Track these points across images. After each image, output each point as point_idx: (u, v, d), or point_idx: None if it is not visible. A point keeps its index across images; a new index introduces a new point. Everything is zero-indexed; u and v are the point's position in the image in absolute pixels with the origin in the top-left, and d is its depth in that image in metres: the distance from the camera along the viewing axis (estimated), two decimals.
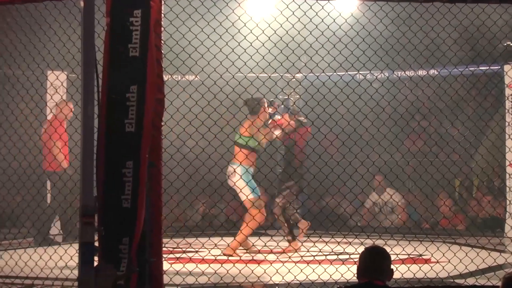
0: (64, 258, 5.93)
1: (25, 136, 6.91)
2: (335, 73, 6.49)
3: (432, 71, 7.74)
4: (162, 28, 4.67)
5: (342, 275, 5.40)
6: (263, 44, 5.82)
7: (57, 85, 8.13)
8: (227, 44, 5.73)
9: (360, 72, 8.25)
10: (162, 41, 4.75)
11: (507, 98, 8.82)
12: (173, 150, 5.41)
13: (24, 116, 6.72)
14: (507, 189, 8.78)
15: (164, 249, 4.82)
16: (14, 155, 6.83)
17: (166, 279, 4.84)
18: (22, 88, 6.79)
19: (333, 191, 8.29)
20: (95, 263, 3.74)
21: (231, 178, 7.48)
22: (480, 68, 7.53)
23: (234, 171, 7.42)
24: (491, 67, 7.68)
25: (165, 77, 4.80)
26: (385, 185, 9.41)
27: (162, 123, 4.71)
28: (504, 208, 8.88)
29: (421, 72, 8.88)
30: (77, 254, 3.58)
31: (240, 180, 7.36)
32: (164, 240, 4.87)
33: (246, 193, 7.44)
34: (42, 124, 8.41)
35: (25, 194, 7.45)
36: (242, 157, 7.40)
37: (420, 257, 6.64)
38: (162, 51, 4.71)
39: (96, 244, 3.96)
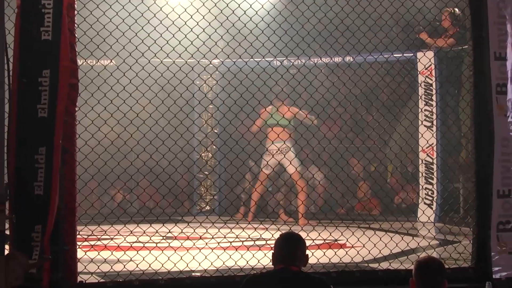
0: None
1: None
2: (252, 59, 6.51)
3: (347, 58, 7.85)
4: (76, 11, 4.60)
5: (258, 261, 5.45)
6: (179, 29, 5.79)
7: None
8: (142, 28, 5.68)
9: (277, 58, 8.30)
10: (76, 25, 4.68)
11: (420, 85, 9.04)
12: (87, 136, 5.33)
13: None
14: (420, 174, 9.01)
15: (78, 236, 4.76)
16: None
17: (80, 267, 4.80)
18: None
19: (250, 177, 8.36)
20: (6, 252, 3.68)
21: (282, 152, 8.65)
22: (394, 55, 7.68)
23: (287, 146, 8.64)
24: (404, 54, 7.84)
25: (79, 62, 4.73)
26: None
27: (76, 109, 4.64)
28: (416, 193, 9.11)
29: (337, 59, 9.00)
30: None
31: (292, 153, 8.41)
32: (78, 228, 4.82)
33: (295, 165, 8.60)
34: None
35: None
36: (287, 136, 8.55)
37: (336, 242, 6.76)
38: (76, 35, 4.64)
39: (8, 232, 3.89)
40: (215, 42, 6.59)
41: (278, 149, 8.66)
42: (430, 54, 8.80)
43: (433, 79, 8.98)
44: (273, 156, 8.77)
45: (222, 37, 6.40)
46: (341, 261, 5.63)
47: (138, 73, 5.92)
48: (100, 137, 5.76)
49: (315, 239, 6.44)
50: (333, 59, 8.96)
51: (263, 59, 7.02)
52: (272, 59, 7.72)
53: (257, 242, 6.92)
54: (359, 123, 9.04)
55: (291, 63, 8.24)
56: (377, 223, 7.56)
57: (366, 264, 5.72)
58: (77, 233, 4.72)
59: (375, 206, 9.33)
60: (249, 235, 6.64)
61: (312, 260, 4.82)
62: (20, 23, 4.30)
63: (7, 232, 3.85)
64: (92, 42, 5.55)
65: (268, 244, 6.64)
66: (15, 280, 3.40)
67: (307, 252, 3.90)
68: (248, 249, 5.94)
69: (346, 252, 5.92)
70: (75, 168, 4.65)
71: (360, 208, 9.15)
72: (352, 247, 6.25)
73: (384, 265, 5.60)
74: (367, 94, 9.20)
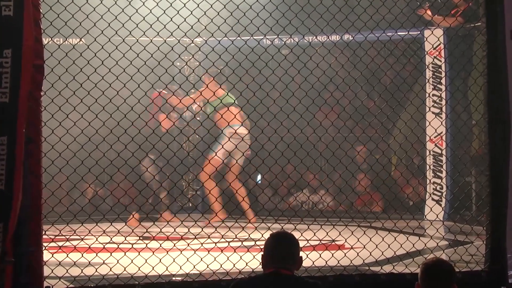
0: None
1: None
2: (238, 38, 6.51)
3: (346, 36, 7.86)
4: None
5: (247, 264, 5.47)
6: (157, 4, 5.79)
7: None
8: (115, 3, 5.66)
9: (266, 37, 8.31)
10: None
11: (427, 67, 9.07)
12: (54, 124, 5.32)
13: None
14: (427, 167, 9.05)
15: (44, 237, 4.77)
16: None
17: (46, 271, 4.80)
18: None
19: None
20: None
21: (246, 141, 8.68)
22: (398, 33, 7.69)
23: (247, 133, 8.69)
24: (410, 33, 7.87)
25: (45, 40, 4.72)
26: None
27: (42, 93, 4.64)
28: (423, 188, 9.15)
29: (334, 37, 9.02)
30: None
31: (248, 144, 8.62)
32: (45, 227, 4.82)
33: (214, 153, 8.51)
34: None
35: None
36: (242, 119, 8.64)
37: (333, 243, 6.79)
38: (41, 10, 4.63)
39: None
40: (198, 18, 6.58)
41: (235, 132, 8.60)
42: (439, 32, 8.84)
43: (442, 60, 9.02)
44: (229, 139, 8.67)
45: (205, 13, 6.40)
46: (339, 264, 5.66)
47: (111, 53, 5.91)
48: (69, 125, 5.75)
49: (309, 240, 6.47)
50: (330, 37, 8.97)
51: (251, 38, 7.03)
52: (262, 37, 7.72)
53: (245, 243, 6.95)
54: (359, 110, 9.06)
55: (283, 42, 8.25)
56: (379, 221, 7.59)
57: (367, 267, 5.75)
58: (43, 233, 4.72)
59: (377, 202, 9.37)
60: (236, 235, 6.66)
61: (306, 263, 4.84)
62: None
63: None
64: (59, 19, 5.54)
65: (258, 245, 6.66)
66: None
67: (301, 254, 3.92)
68: (235, 251, 5.96)
69: (345, 254, 5.95)
70: (41, 160, 4.65)
71: (360, 204, 9.20)
72: (351, 248, 6.28)
73: (387, 268, 5.63)
74: (368, 77, 9.22)
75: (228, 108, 8.18)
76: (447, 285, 3.67)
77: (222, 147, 8.58)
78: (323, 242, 6.61)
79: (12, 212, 4.21)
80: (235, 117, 8.02)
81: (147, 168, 7.41)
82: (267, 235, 4.05)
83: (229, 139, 8.48)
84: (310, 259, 5.49)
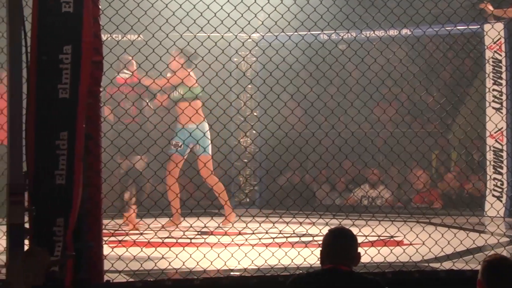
0: None
1: None
2: (296, 33, 6.49)
3: (404, 31, 7.77)
4: None
5: (305, 259, 5.45)
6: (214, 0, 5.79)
7: None
8: None
9: (324, 32, 8.27)
10: None
11: (487, 61, 8.93)
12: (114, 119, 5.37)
13: None
14: (487, 163, 8.91)
15: (104, 231, 4.80)
16: None
17: (106, 265, 4.84)
18: None
19: (294, 166, 8.34)
20: (26, 247, 3.72)
21: (207, 136, 7.96)
22: (458, 27, 7.59)
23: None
24: (469, 27, 7.75)
25: (104, 37, 4.75)
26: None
27: (101, 89, 4.67)
28: (484, 184, 9.02)
29: (392, 32, 8.92)
30: (4, 237, 3.55)
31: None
32: (104, 222, 4.86)
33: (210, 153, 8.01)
34: None
35: None
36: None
37: (392, 239, 6.73)
38: (100, 7, 4.66)
39: (27, 225, 3.93)
40: (255, 14, 6.57)
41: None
42: (500, 26, 8.68)
43: (503, 54, 8.87)
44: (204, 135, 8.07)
45: (262, 8, 6.38)
46: (397, 260, 5.60)
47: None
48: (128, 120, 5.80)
49: (368, 236, 6.41)
50: (388, 32, 8.88)
51: (308, 33, 6.99)
52: (319, 32, 7.69)
53: (303, 238, 6.92)
54: (418, 105, 8.96)
55: (340, 38, 8.20)
56: (438, 217, 7.50)
57: (426, 264, 5.68)
58: (103, 227, 4.76)
59: (436, 198, 9.26)
60: (294, 231, 6.64)
61: (364, 259, 4.80)
62: None
63: (27, 225, 3.90)
64: (118, 15, 5.57)
65: (316, 241, 6.63)
66: (35, 278, 3.44)
67: (359, 250, 3.89)
68: (292, 246, 5.94)
69: (404, 250, 5.88)
70: (100, 155, 4.68)
71: (419, 201, 9.09)
72: (410, 244, 6.21)
73: (447, 264, 5.56)
74: (427, 72, 9.11)
75: (198, 100, 7.82)
76: (511, 282, 3.60)
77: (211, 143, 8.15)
78: (381, 238, 6.56)
79: (72, 207, 4.25)
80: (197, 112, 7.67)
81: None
82: (325, 230, 4.02)
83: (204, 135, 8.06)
84: (368, 255, 5.45)
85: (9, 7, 3.76)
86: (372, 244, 6.13)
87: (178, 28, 5.82)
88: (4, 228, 3.81)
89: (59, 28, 4.31)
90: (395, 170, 8.20)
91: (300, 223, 6.82)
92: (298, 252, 5.65)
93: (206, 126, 7.95)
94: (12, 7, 3.75)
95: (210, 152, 8.00)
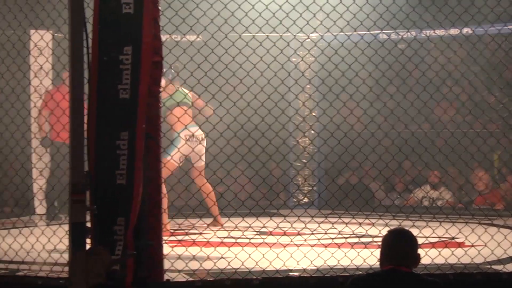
0: (52, 240, 5.97)
1: (7, 104, 6.91)
2: (355, 33, 6.46)
3: (465, 30, 7.68)
4: None
5: (364, 260, 5.41)
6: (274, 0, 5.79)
7: (42, 46, 8.14)
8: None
9: (383, 31, 8.20)
10: None
11: None
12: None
13: (5, 81, 6.72)
14: None
15: (164, 231, 4.83)
16: None
17: (167, 264, 4.87)
18: (2, 49, 6.79)
19: (353, 166, 8.29)
20: (87, 246, 3.76)
21: (203, 143, 7.79)
22: None
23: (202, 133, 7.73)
24: None
25: (163, 38, 4.78)
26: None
27: (160, 89, 4.70)
28: None
29: (453, 31, 8.82)
30: (67, 236, 3.59)
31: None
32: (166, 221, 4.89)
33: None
34: (42, 96, 8.55)
35: (7, 169, 7.48)
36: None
37: (453, 240, 6.65)
38: (160, 8, 4.70)
39: (89, 225, 3.98)
40: (314, 14, 6.56)
41: (193, 135, 7.79)
42: None
43: None
44: (186, 143, 7.83)
45: (321, 8, 6.36)
46: (459, 262, 5.53)
47: (228, 49, 5.95)
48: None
49: (429, 237, 6.35)
50: (448, 31, 8.78)
51: (368, 33, 6.95)
52: (379, 32, 7.63)
53: (362, 239, 6.88)
54: (479, 105, 8.84)
55: (400, 37, 8.13)
56: (501, 219, 7.39)
57: (489, 266, 5.60)
58: (163, 227, 4.79)
59: (498, 199, 9.13)
60: (353, 231, 6.60)
61: (425, 260, 4.75)
62: None
63: (88, 224, 3.94)
64: (178, 16, 5.61)
65: (375, 242, 6.58)
66: (96, 277, 3.47)
67: (419, 251, 3.85)
68: (352, 247, 5.91)
69: (465, 251, 5.81)
70: (160, 155, 4.72)
71: (481, 202, 8.97)
72: (472, 246, 6.13)
73: (510, 267, 5.47)
74: (489, 71, 8.98)
75: (180, 107, 7.53)
76: None
77: (179, 150, 7.78)
78: (442, 239, 6.48)
79: (132, 206, 4.28)
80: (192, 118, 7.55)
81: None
82: (384, 231, 3.99)
83: (186, 143, 7.76)
84: (429, 256, 5.39)
85: (71, 9, 3.80)
86: (433, 245, 6.07)
87: (236, 29, 5.83)
88: (66, 227, 3.86)
89: (120, 29, 4.35)
90: (456, 170, 8.08)
91: (360, 224, 6.78)
92: (358, 253, 5.62)
93: (183, 133, 7.57)
94: (74, 9, 3.80)
95: (170, 154, 7.64)
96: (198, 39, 7.62)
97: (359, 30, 6.45)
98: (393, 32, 8.09)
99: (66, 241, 3.91)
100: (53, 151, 8.46)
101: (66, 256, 3.93)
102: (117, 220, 4.22)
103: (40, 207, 8.77)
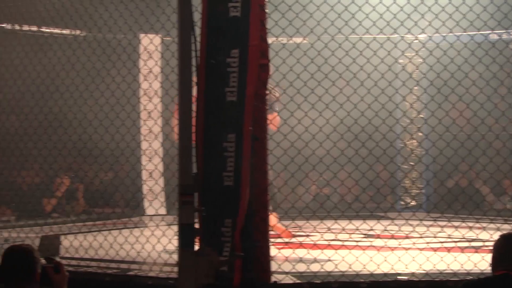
0: (162, 241, 6.06)
1: (118, 107, 7.05)
2: (464, 33, 6.32)
3: None
4: None
5: (475, 264, 5.29)
6: (381, 1, 5.73)
7: (151, 49, 8.28)
8: (339, 1, 5.66)
9: (494, 32, 8.01)
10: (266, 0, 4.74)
11: None
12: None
13: (116, 84, 6.87)
14: None
15: (271, 232, 4.83)
16: (106, 127, 6.99)
17: (274, 266, 4.87)
18: (113, 53, 6.93)
19: (463, 168, 8.12)
20: (196, 247, 3.78)
21: None
22: None
23: None
24: None
25: (270, 40, 4.78)
26: None
27: (267, 92, 4.70)
28: None
29: None
30: (176, 237, 3.63)
31: None
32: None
33: None
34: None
35: (118, 170, 7.63)
36: None
37: None
38: (267, 11, 4.70)
39: (197, 226, 4.01)
40: (422, 14, 6.45)
41: None
42: None
43: None
44: None
45: (429, 8, 6.26)
46: None
47: (335, 51, 5.92)
48: (293, 122, 5.82)
49: None
50: None
51: (478, 33, 6.80)
52: (489, 32, 7.46)
53: (473, 243, 6.73)
54: None
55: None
56: None
57: None
58: (269, 229, 4.79)
59: None
60: (463, 235, 6.46)
61: None
62: (208, 0, 4.41)
63: (196, 226, 3.97)
64: (284, 18, 5.60)
65: (486, 246, 6.43)
66: (205, 278, 3.49)
67: None
68: (462, 251, 5.79)
69: None
70: (266, 157, 4.72)
71: None
72: None
73: None
74: None
75: None
76: None
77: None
78: None
79: (240, 208, 4.30)
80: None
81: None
82: (496, 236, 3.88)
83: None
84: None
85: (180, 13, 3.84)
86: None
87: (343, 31, 5.79)
88: (175, 228, 3.90)
89: (227, 32, 4.38)
90: None
91: (470, 228, 6.63)
92: (468, 257, 5.49)
93: None
94: (183, 13, 3.83)
95: None
96: (305, 41, 7.61)
97: (469, 31, 6.30)
98: (504, 32, 7.89)
99: (175, 242, 3.96)
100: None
101: (175, 256, 3.97)
102: (224, 222, 4.25)
103: (150, 208, 8.92)
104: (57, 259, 4.25)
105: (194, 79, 4.21)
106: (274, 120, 6.96)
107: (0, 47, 7.25)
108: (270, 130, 6.98)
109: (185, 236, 3.58)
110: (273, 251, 4.86)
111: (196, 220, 3.66)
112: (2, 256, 3.44)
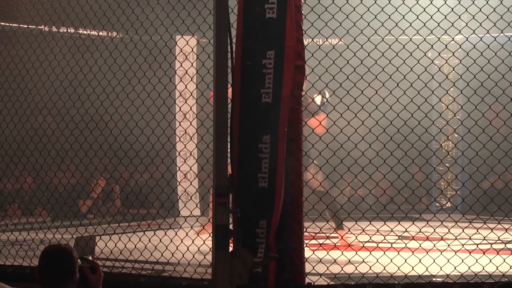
0: (196, 242, 6.08)
1: (154, 108, 7.08)
2: (502, 34, 6.25)
3: None
4: None
5: (511, 267, 5.24)
6: (417, 1, 5.69)
7: (187, 51, 8.31)
8: (375, 2, 5.63)
9: None
10: (302, 1, 4.73)
11: None
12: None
13: (152, 86, 6.90)
14: None
15: (305, 234, 4.83)
16: (142, 128, 7.03)
17: (308, 267, 4.87)
18: (149, 55, 6.97)
19: (499, 170, 8.06)
20: (230, 248, 3.79)
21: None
22: None
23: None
24: None
25: (306, 41, 4.78)
26: None
27: (303, 93, 4.70)
28: None
29: None
30: (210, 238, 3.64)
31: None
32: (305, 224, 4.88)
33: None
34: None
35: (154, 172, 7.67)
36: None
37: None
38: (303, 12, 4.70)
39: (231, 227, 4.02)
40: (459, 15, 6.40)
41: None
42: None
43: None
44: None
45: (466, 9, 6.21)
46: None
47: (370, 52, 5.89)
48: (328, 124, 5.81)
49: None
50: None
51: None
52: None
53: (508, 245, 6.67)
54: None
55: None
56: None
57: None
58: (304, 230, 4.78)
59: None
60: (499, 237, 6.40)
61: None
62: (244, 1, 4.42)
63: (231, 227, 3.98)
64: (320, 19, 5.59)
65: None
66: (239, 279, 3.50)
67: None
68: (498, 253, 5.73)
69: None
70: (301, 158, 4.71)
71: None
72: None
73: None
74: None
75: None
76: None
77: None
78: None
79: (274, 209, 4.30)
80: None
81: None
82: None
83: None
84: None
85: (216, 15, 3.85)
86: None
87: (379, 31, 5.77)
88: (209, 229, 3.92)
89: (263, 34, 4.38)
90: None
91: (506, 230, 6.56)
92: (504, 259, 5.44)
93: None
94: (219, 14, 3.84)
95: None
96: (340, 42, 7.59)
97: (506, 32, 6.24)
98: None
99: (209, 243, 3.97)
100: None
101: (209, 257, 3.98)
102: (259, 223, 4.26)
103: (185, 209, 8.95)
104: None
105: (230, 80, 4.23)
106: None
107: (38, 49, 7.31)
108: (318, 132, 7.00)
109: (220, 237, 3.59)
110: (307, 253, 4.86)
111: (230, 221, 3.67)
112: (40, 257, 3.46)
